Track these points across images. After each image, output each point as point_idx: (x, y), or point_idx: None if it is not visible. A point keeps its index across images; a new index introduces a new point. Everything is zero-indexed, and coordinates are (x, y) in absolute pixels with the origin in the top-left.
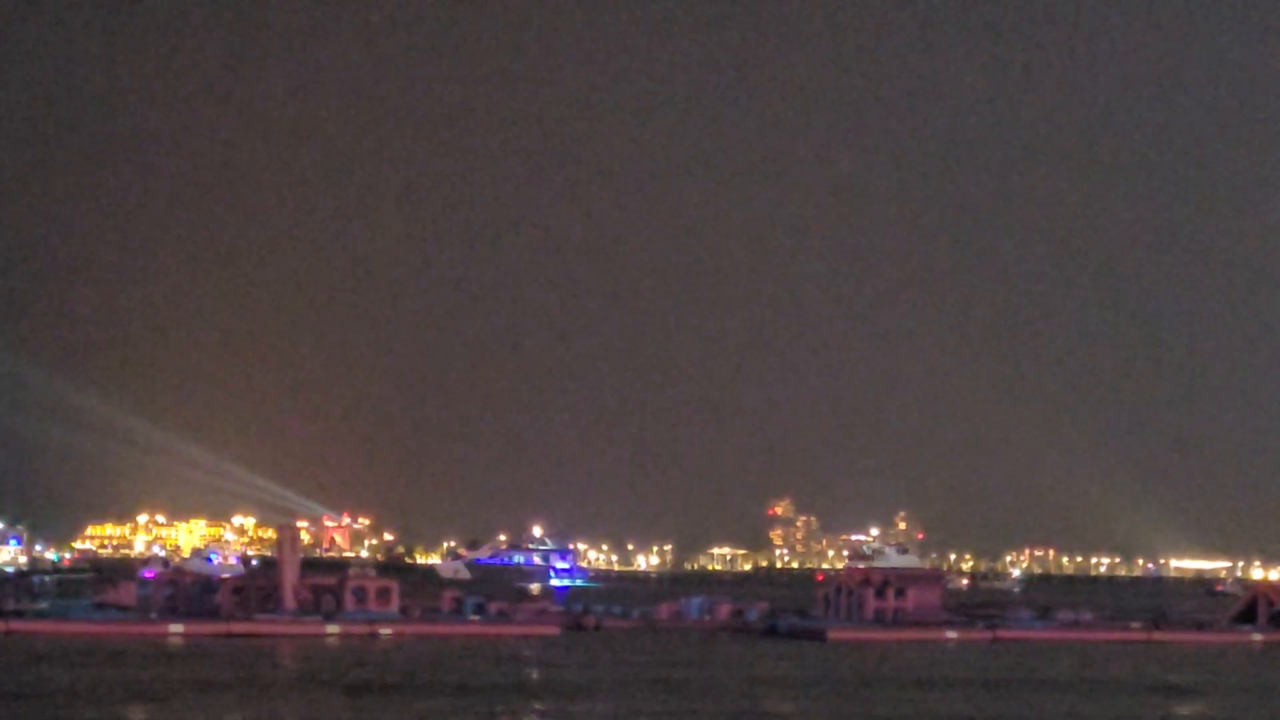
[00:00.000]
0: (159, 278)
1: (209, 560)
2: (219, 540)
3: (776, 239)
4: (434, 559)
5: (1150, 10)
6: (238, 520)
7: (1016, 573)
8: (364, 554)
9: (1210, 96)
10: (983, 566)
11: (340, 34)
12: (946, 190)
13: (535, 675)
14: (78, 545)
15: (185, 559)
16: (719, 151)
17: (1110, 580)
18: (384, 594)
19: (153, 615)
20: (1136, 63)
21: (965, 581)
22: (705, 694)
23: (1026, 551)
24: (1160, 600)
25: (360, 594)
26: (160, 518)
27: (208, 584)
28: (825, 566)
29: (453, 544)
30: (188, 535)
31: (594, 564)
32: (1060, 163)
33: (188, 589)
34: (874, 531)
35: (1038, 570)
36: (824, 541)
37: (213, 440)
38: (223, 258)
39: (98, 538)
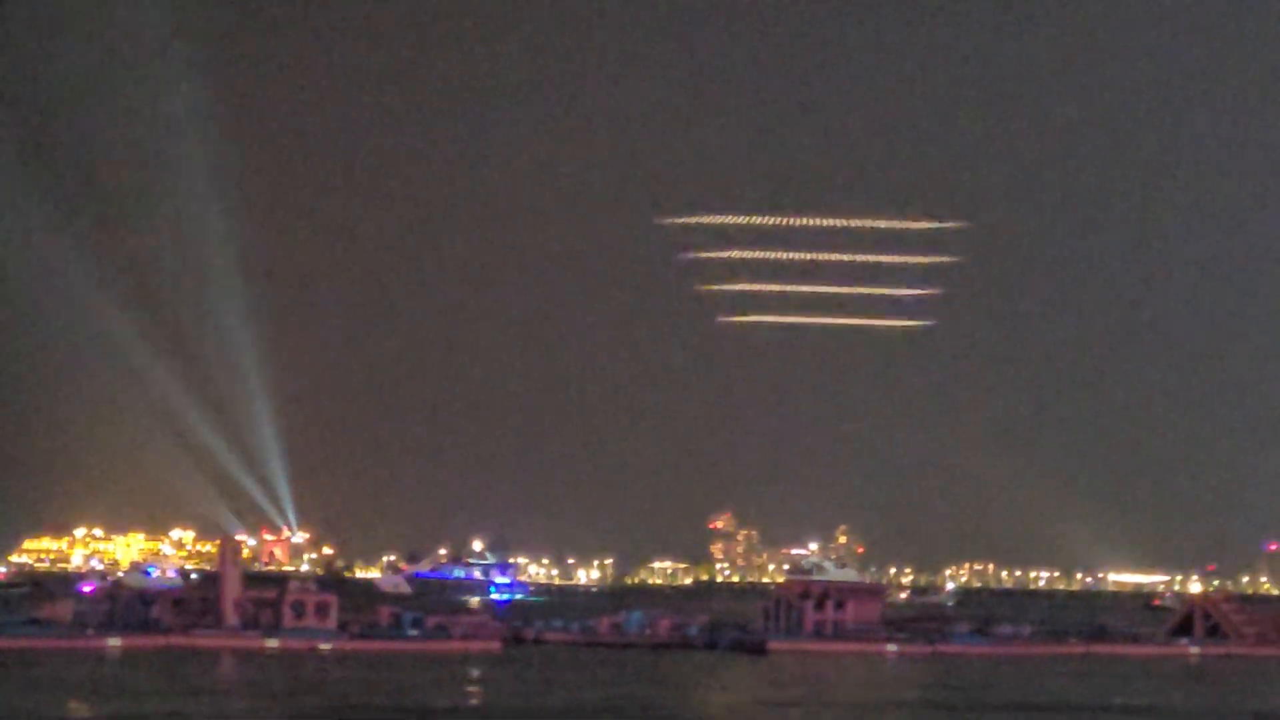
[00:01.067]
0: (92, 286)
1: (147, 574)
2: (157, 554)
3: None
4: (374, 573)
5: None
6: (177, 534)
7: (951, 586)
8: (304, 568)
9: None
10: (923, 580)
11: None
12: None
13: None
14: (14, 559)
15: (123, 573)
16: (653, 164)
17: (1049, 594)
18: (323, 609)
19: (89, 630)
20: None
21: (904, 595)
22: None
23: (966, 565)
24: (1098, 614)
25: (299, 608)
26: (98, 531)
27: (146, 598)
28: (765, 580)
29: (392, 558)
30: (126, 549)
31: (534, 578)
32: (995, 175)
33: (126, 603)
34: (814, 545)
35: (977, 584)
36: (764, 555)
37: (151, 452)
38: (158, 265)
39: (34, 552)
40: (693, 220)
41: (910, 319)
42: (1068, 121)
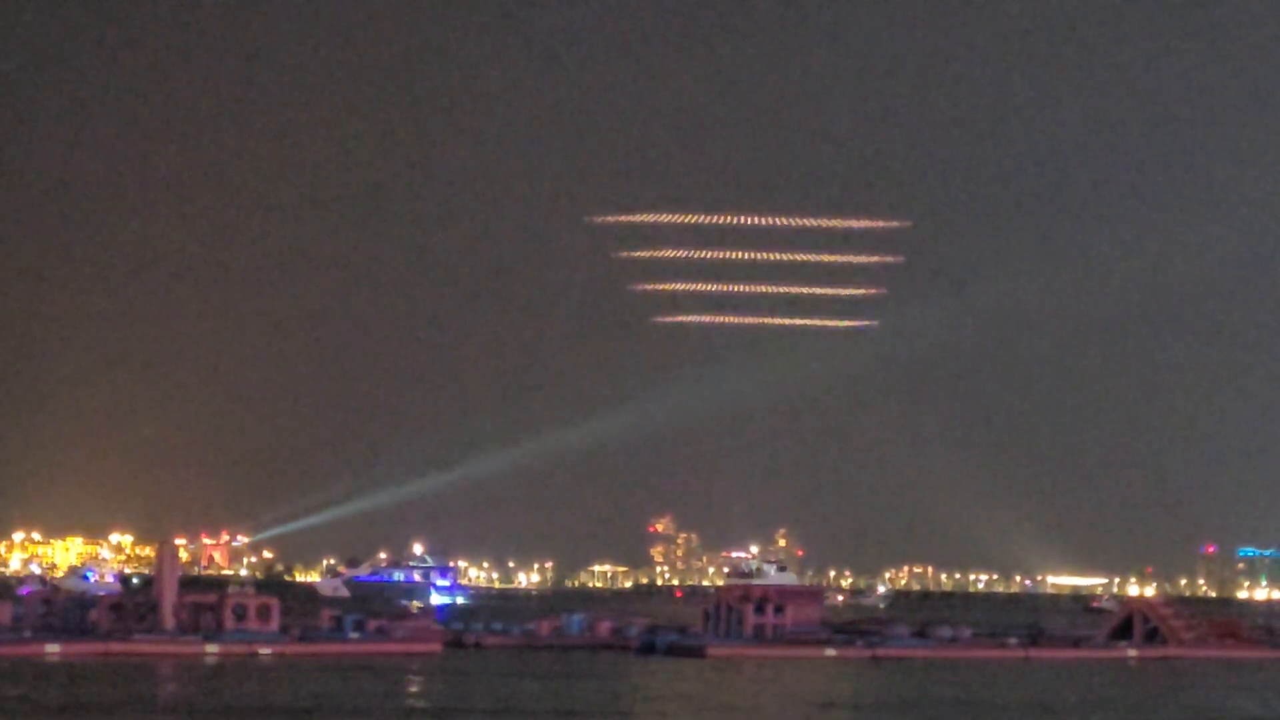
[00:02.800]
0: (29, 296)
1: (85, 578)
2: (96, 558)
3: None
4: (314, 577)
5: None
6: (115, 538)
7: (882, 589)
8: (243, 572)
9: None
10: (862, 583)
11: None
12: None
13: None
14: None
15: (61, 577)
16: (588, 163)
17: (988, 597)
18: (264, 612)
19: (26, 634)
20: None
21: (840, 599)
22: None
23: (906, 568)
24: (1037, 617)
25: (240, 612)
26: (36, 535)
27: (84, 602)
28: (705, 583)
29: (332, 561)
30: (64, 553)
31: (475, 581)
32: (938, 175)
33: (63, 608)
34: (754, 549)
35: (917, 587)
36: (704, 558)
37: (90, 457)
38: (97, 275)
39: None
40: (628, 219)
41: (852, 320)
42: (1017, 123)
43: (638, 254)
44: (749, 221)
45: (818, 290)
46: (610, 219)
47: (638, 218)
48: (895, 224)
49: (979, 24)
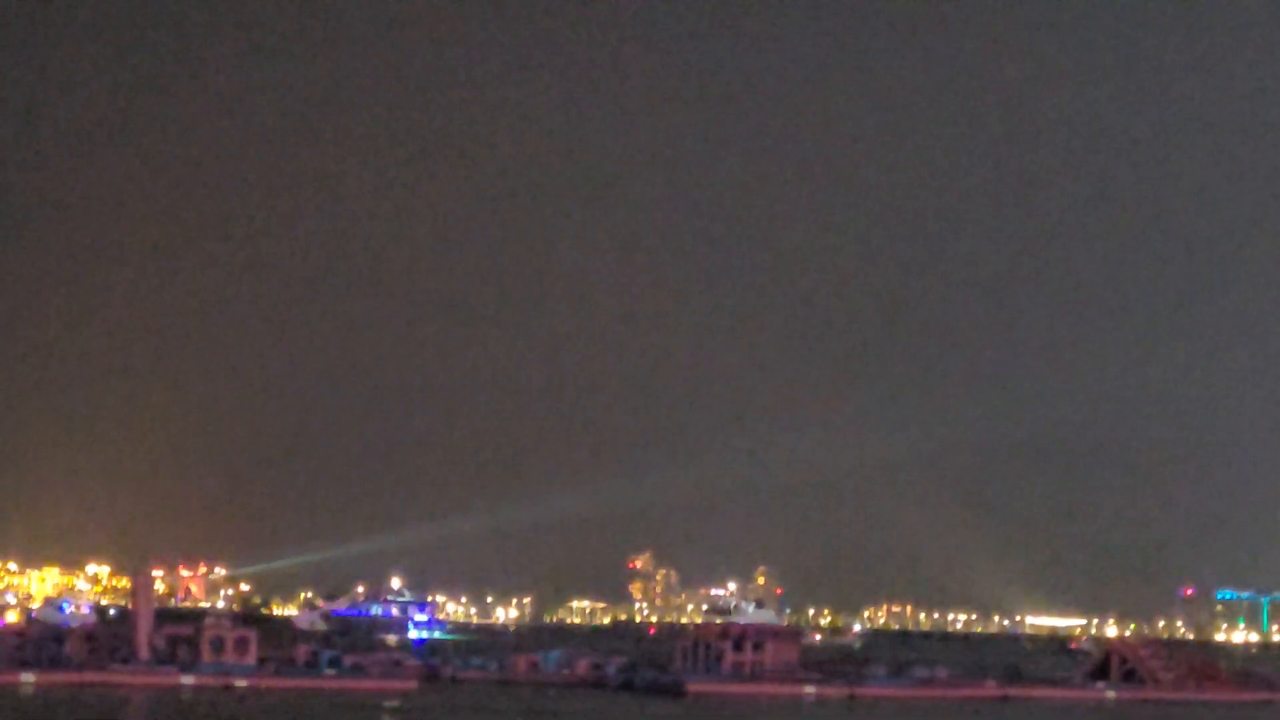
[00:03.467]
0: (3, 327)
1: (61, 610)
2: (72, 589)
3: (617, 293)
4: (291, 610)
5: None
6: (92, 569)
7: (858, 628)
8: (220, 604)
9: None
10: (839, 622)
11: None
12: (804, 245)
13: None
14: None
15: (38, 608)
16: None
17: (966, 637)
18: (242, 644)
19: (1, 666)
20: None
21: (818, 637)
22: None
23: (884, 606)
24: (1016, 657)
25: (218, 644)
26: (12, 565)
27: (58, 633)
28: (684, 621)
29: (310, 595)
30: (40, 584)
31: (452, 616)
32: (929, 202)
33: (39, 639)
34: (732, 586)
35: (895, 626)
36: (683, 595)
37: (67, 488)
38: (75, 307)
39: None
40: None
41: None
42: (994, 150)
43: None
44: None
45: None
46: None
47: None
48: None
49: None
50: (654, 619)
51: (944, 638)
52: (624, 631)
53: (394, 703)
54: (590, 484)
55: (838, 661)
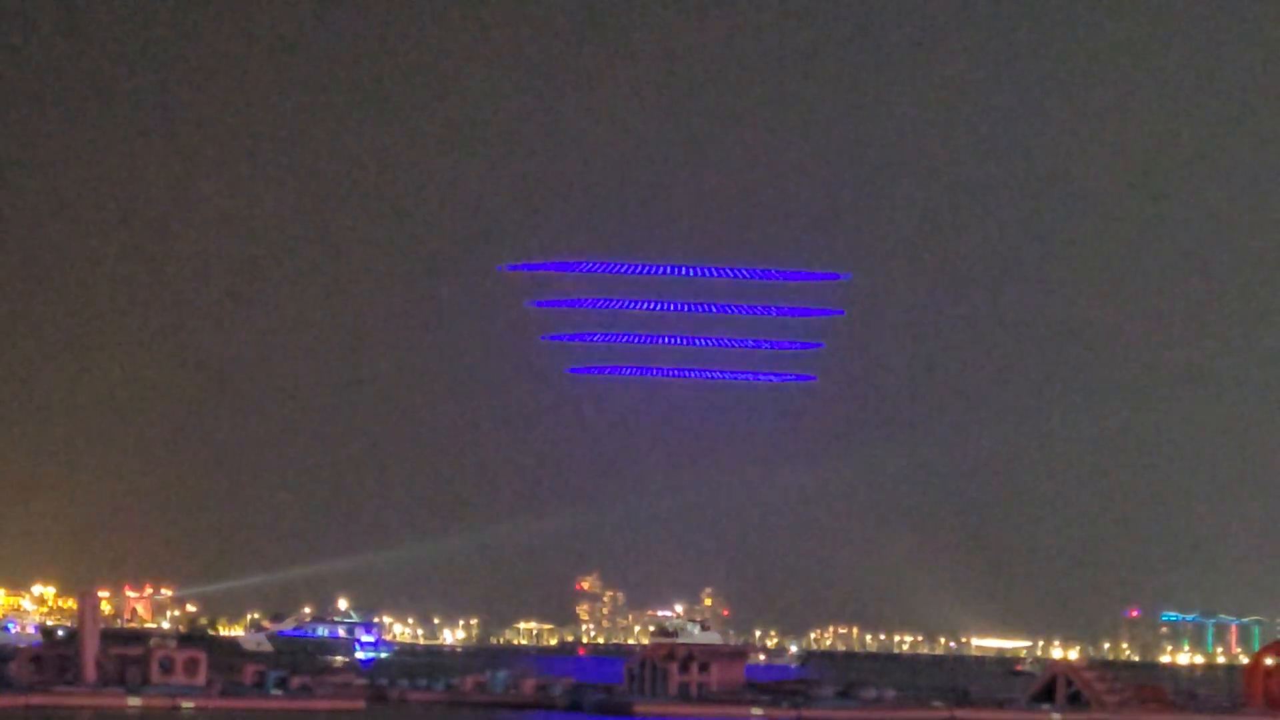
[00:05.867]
0: None
1: (6, 629)
2: (18, 609)
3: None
4: (237, 630)
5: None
6: (38, 589)
7: (794, 649)
8: (165, 625)
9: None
10: (787, 643)
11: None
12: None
13: None
14: None
15: None
16: (499, 207)
17: (912, 659)
18: (191, 665)
19: None
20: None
21: (762, 658)
22: None
23: (831, 628)
24: (961, 679)
25: (167, 665)
26: None
27: (3, 654)
28: (631, 642)
29: (256, 615)
30: None
31: (399, 637)
32: (877, 228)
33: None
34: (679, 607)
35: (841, 647)
36: (630, 617)
37: (12, 508)
38: (19, 321)
39: None
40: (541, 268)
41: (787, 373)
42: (957, 180)
43: (551, 302)
44: (679, 272)
45: (751, 345)
46: (522, 266)
47: (552, 267)
48: (834, 278)
49: (923, 74)
50: (600, 640)
51: (889, 659)
52: (570, 652)
53: None
54: (537, 505)
55: (783, 683)
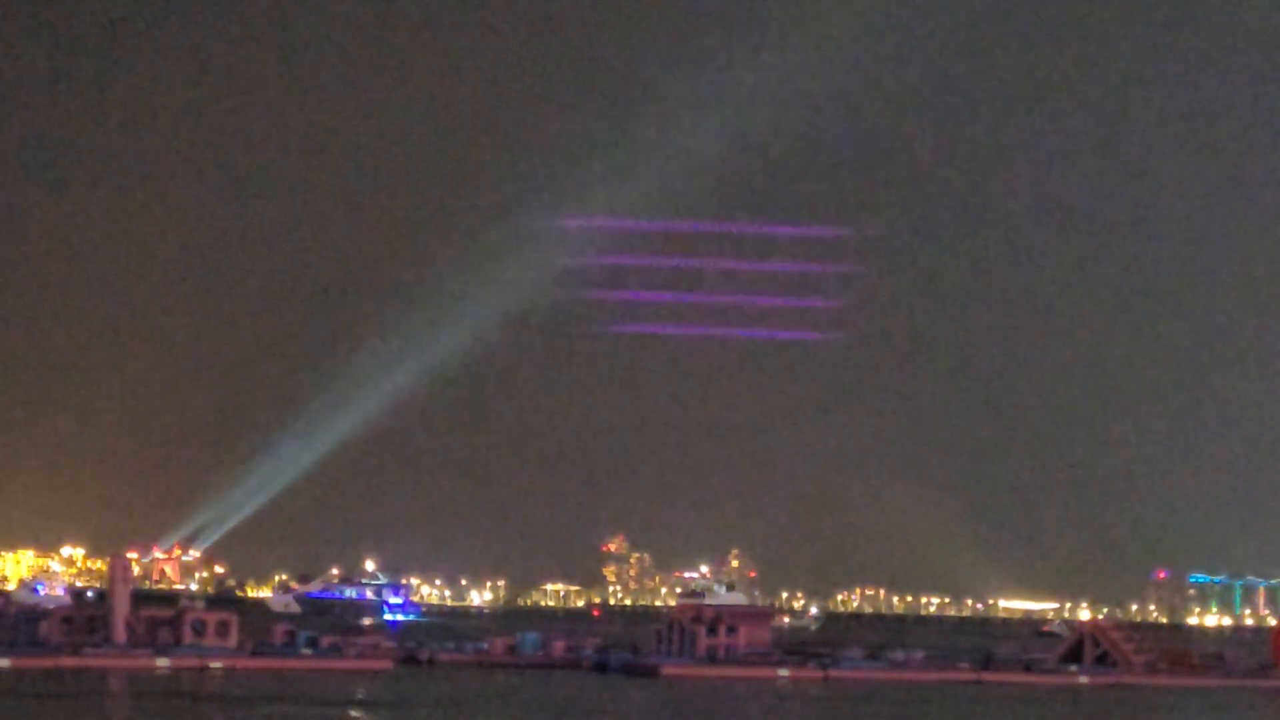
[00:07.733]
0: None
1: (35, 591)
2: (47, 571)
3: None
4: (265, 592)
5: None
6: (67, 551)
7: (814, 610)
8: (194, 587)
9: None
10: (813, 605)
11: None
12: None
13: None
14: None
15: (12, 590)
16: (530, 162)
17: (939, 620)
18: (223, 627)
19: None
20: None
21: (786, 620)
22: None
23: (858, 590)
24: (988, 640)
25: (199, 627)
26: None
27: (34, 615)
28: (658, 603)
29: (284, 577)
30: (15, 566)
31: (427, 599)
32: (899, 185)
33: (13, 621)
34: (705, 569)
35: (869, 609)
36: (657, 578)
37: (42, 470)
38: (47, 288)
39: None
40: (576, 224)
41: (810, 332)
42: (996, 127)
43: (588, 261)
44: (706, 228)
45: (779, 302)
46: (558, 223)
47: (589, 222)
48: (856, 232)
49: (936, 31)
50: (628, 602)
51: (917, 620)
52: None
53: (368, 685)
54: (565, 467)
55: (811, 644)
